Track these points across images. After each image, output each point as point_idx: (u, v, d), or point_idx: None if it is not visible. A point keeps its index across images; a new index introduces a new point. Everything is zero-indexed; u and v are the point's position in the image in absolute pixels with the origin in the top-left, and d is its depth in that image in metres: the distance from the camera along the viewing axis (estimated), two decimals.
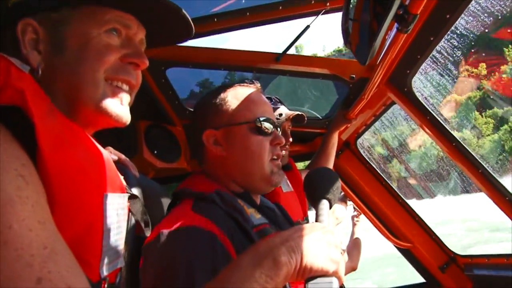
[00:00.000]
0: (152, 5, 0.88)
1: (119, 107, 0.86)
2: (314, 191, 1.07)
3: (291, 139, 2.26)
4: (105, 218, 0.76)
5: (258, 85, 1.31)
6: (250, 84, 1.30)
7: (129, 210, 0.93)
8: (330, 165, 2.57)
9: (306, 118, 2.33)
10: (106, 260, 0.77)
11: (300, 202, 2.32)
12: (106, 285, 0.78)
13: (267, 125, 1.22)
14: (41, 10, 0.81)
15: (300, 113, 2.29)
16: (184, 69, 2.35)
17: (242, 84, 1.30)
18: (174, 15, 0.92)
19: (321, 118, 2.86)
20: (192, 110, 2.49)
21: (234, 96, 1.25)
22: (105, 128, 0.89)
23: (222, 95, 1.26)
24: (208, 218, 1.03)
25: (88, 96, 0.81)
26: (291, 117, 2.27)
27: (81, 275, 0.66)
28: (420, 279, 2.91)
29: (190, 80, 2.74)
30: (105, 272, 0.77)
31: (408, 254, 2.89)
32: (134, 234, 0.99)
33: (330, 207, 1.04)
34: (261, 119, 1.22)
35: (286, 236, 0.82)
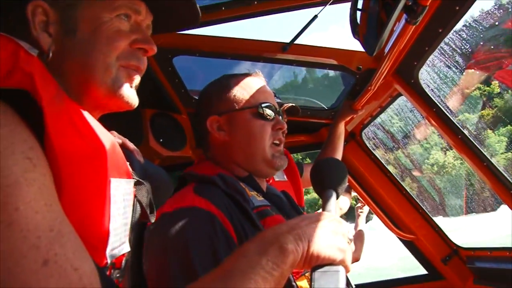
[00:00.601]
0: None
1: (130, 90, 0.87)
2: (322, 180, 1.08)
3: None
4: (112, 204, 0.76)
5: (261, 75, 1.35)
6: (253, 74, 1.34)
7: (135, 196, 0.94)
8: (338, 156, 2.55)
9: (300, 111, 2.32)
10: (112, 245, 0.77)
11: (295, 192, 2.33)
12: (112, 270, 0.79)
13: (268, 111, 1.26)
14: None
15: (293, 104, 2.29)
16: (191, 57, 2.34)
17: (246, 74, 1.34)
18: (182, 1, 0.92)
19: (326, 108, 2.85)
20: (197, 98, 2.49)
21: (237, 84, 1.29)
22: (113, 111, 0.89)
23: (226, 83, 1.30)
24: (208, 199, 1.06)
25: (100, 79, 0.82)
26: (284, 109, 2.27)
27: (88, 258, 0.66)
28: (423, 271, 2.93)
29: (197, 68, 2.73)
30: (111, 257, 0.77)
31: (411, 245, 2.90)
32: (139, 220, 1.00)
33: (337, 198, 1.05)
34: (264, 105, 1.25)
35: (293, 224, 0.82)
